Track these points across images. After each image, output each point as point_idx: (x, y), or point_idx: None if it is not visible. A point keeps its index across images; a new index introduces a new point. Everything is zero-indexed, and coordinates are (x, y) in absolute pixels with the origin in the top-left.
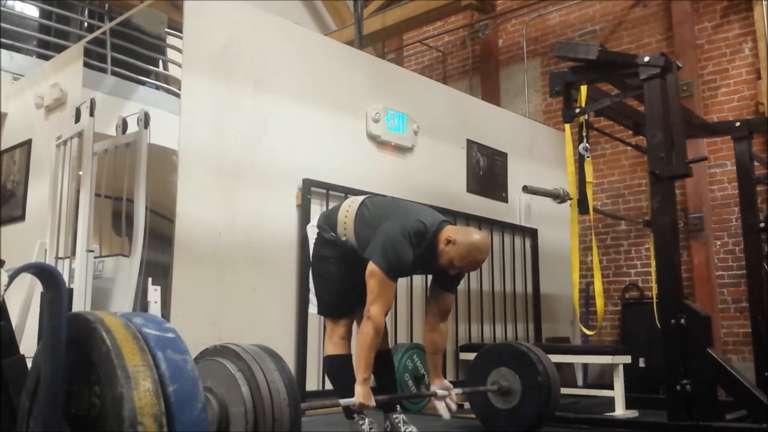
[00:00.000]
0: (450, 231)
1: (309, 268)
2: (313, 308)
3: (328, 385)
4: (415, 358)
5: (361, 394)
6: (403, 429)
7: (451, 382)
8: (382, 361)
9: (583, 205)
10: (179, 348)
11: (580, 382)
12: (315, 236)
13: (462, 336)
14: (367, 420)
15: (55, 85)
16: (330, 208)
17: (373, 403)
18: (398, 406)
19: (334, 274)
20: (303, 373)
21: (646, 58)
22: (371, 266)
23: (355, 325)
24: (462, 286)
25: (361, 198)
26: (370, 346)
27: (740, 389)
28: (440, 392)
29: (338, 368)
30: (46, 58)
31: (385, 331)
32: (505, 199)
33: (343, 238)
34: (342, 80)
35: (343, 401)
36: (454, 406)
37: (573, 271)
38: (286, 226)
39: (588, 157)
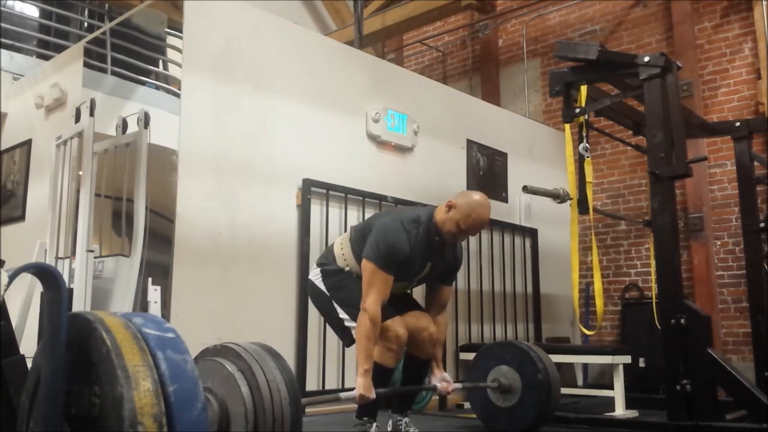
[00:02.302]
0: (447, 201)
1: (308, 264)
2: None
3: (329, 385)
4: None
5: (362, 385)
6: (404, 430)
7: None
8: (416, 367)
9: (583, 205)
10: (179, 348)
11: (580, 382)
12: (320, 275)
13: (462, 336)
14: (374, 425)
15: (55, 85)
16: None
17: (373, 395)
18: (408, 411)
19: (356, 290)
20: (303, 373)
21: (646, 58)
22: (364, 261)
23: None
24: (462, 285)
25: (347, 231)
26: (368, 338)
27: (740, 389)
28: (440, 386)
29: (379, 379)
30: (46, 58)
31: (427, 339)
32: (505, 199)
33: (347, 269)
34: (342, 80)
35: (344, 394)
36: (451, 388)
37: (573, 271)
38: (287, 226)
39: (588, 157)
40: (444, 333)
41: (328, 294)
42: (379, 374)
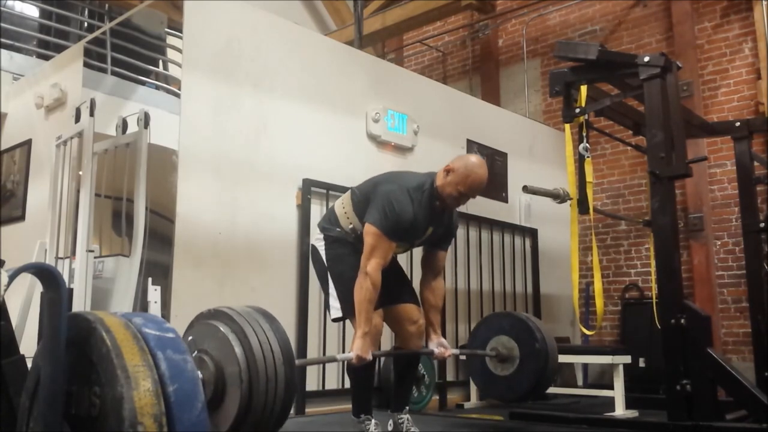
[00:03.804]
0: (446, 165)
1: (309, 269)
2: (335, 313)
3: (328, 385)
4: None
5: (359, 347)
6: (405, 429)
7: (450, 382)
8: (406, 360)
9: (583, 205)
10: (179, 348)
11: (580, 382)
12: (322, 241)
13: (462, 336)
14: (373, 421)
15: (55, 85)
16: (324, 213)
17: (369, 356)
18: (406, 407)
19: (351, 271)
20: (303, 373)
21: (646, 58)
22: (368, 226)
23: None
24: (462, 285)
25: (348, 191)
26: (369, 300)
27: (740, 389)
28: (437, 350)
29: (363, 372)
30: (46, 58)
31: (415, 331)
32: (505, 199)
33: (350, 227)
34: (342, 80)
35: (341, 356)
36: (448, 353)
37: (573, 271)
38: (286, 226)
39: (588, 157)
40: (441, 298)
41: (326, 265)
42: (361, 366)
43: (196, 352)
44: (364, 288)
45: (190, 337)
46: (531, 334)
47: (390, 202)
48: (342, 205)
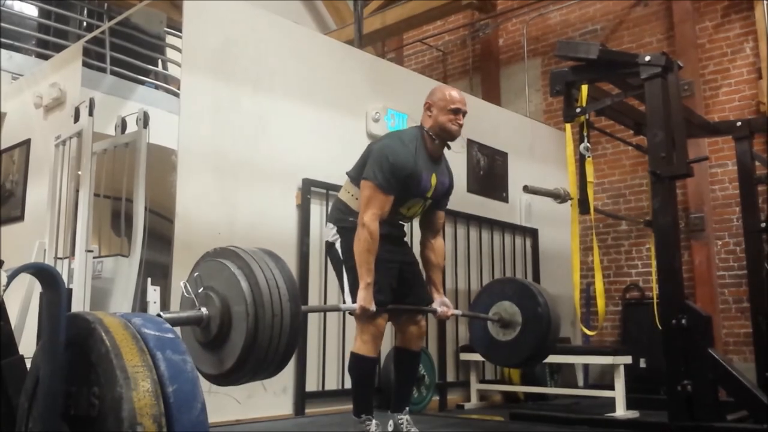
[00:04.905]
0: (423, 106)
1: (309, 269)
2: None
3: (328, 386)
4: None
5: (363, 297)
6: (405, 430)
7: (449, 383)
8: (407, 360)
9: (583, 205)
10: (178, 348)
11: (580, 383)
12: (337, 235)
13: (462, 336)
14: (373, 421)
15: (54, 85)
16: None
17: (373, 307)
18: (406, 408)
19: None
20: (303, 374)
21: (647, 58)
22: (363, 181)
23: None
24: (463, 285)
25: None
26: (368, 250)
27: (741, 389)
28: (440, 309)
29: (364, 371)
30: (45, 57)
31: (417, 332)
32: (505, 199)
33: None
34: (342, 80)
35: (344, 306)
36: (450, 312)
37: (574, 272)
38: (286, 226)
39: (589, 156)
40: (441, 257)
41: (342, 258)
42: (362, 366)
43: (202, 288)
44: (362, 239)
45: (196, 274)
46: (533, 299)
47: (384, 154)
48: (346, 191)
